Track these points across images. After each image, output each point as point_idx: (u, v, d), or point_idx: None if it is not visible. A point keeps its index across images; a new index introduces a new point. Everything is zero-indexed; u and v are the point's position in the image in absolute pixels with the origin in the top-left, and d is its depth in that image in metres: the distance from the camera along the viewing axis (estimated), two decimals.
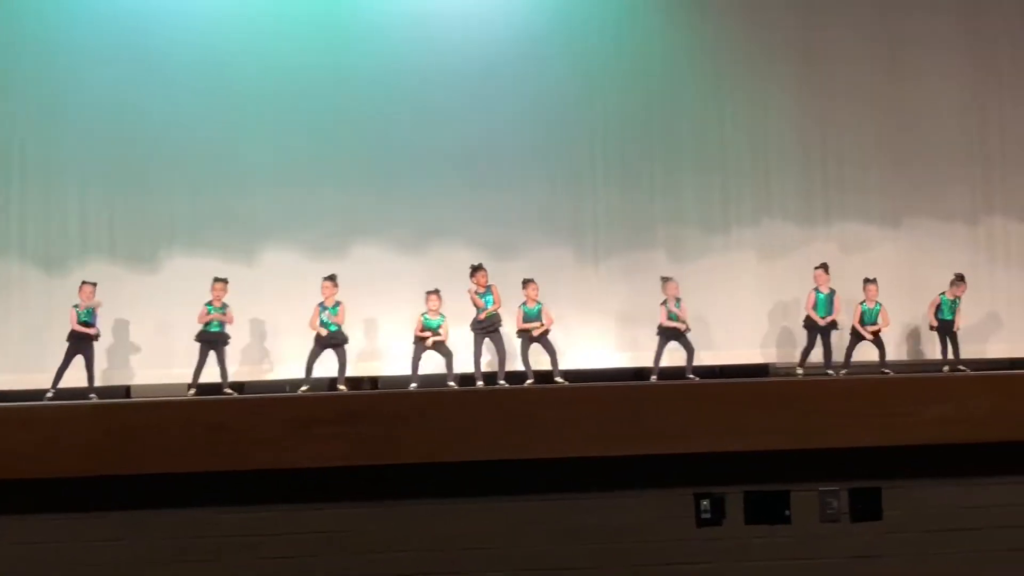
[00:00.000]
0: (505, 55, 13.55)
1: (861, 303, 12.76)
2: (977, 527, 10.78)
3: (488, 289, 12.39)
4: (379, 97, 13.38)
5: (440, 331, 12.34)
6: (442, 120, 13.38)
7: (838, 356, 12.78)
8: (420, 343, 12.33)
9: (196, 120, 13.16)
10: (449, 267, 12.78)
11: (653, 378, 12.42)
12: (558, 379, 12.21)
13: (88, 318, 11.98)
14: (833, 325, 12.73)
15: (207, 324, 12.14)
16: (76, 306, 11.98)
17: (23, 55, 13.11)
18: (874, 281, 12.75)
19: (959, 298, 12.81)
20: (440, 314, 12.36)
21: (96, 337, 12.06)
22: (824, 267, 12.82)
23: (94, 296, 12.06)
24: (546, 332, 12.48)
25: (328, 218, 13.23)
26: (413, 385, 12.14)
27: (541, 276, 12.68)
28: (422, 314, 12.36)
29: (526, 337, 12.44)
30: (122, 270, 12.97)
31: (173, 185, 13.14)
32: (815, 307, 12.72)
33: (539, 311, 12.46)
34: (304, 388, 12.13)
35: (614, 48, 13.71)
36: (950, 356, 12.77)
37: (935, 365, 12.84)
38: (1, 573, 10.07)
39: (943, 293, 12.86)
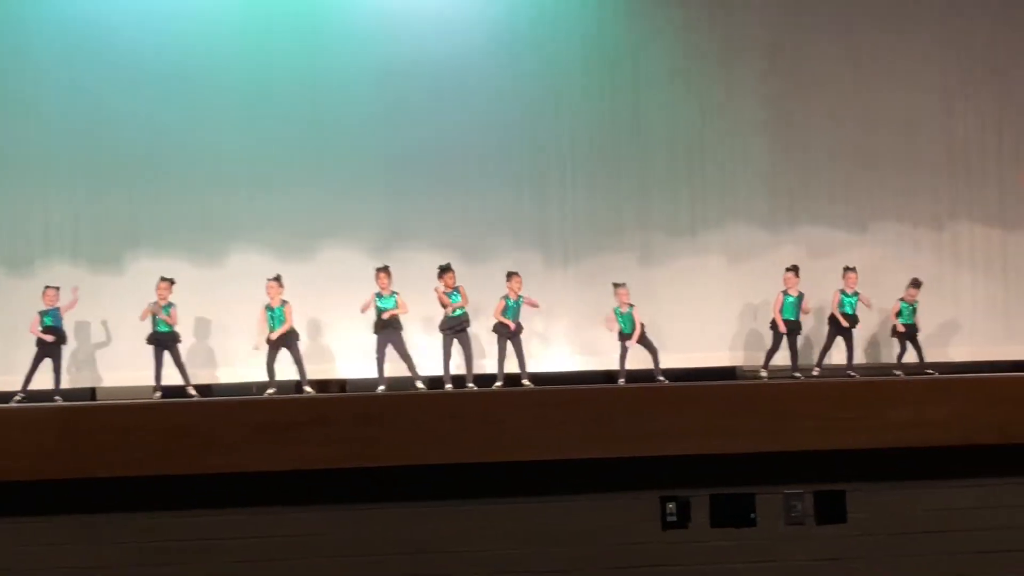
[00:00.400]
0: (473, 58, 13.54)
1: (840, 290, 12.84)
2: (941, 529, 10.88)
3: (456, 290, 12.38)
4: (347, 99, 13.34)
5: (398, 302, 12.20)
6: (410, 123, 13.36)
7: (804, 358, 12.87)
8: (382, 332, 12.19)
9: (162, 121, 13.07)
10: (417, 269, 12.71)
11: (621, 381, 12.44)
12: (525, 382, 12.22)
13: (53, 322, 11.92)
14: (798, 327, 12.81)
15: (156, 325, 12.02)
16: (41, 312, 11.91)
17: None
18: (853, 269, 12.86)
19: (917, 301, 12.93)
20: (392, 291, 12.26)
21: (63, 341, 11.99)
22: (795, 269, 12.87)
23: (58, 299, 11.98)
24: (520, 330, 12.49)
25: (295, 220, 13.17)
26: (381, 388, 12.11)
27: None
28: (374, 293, 12.27)
29: (503, 333, 12.45)
30: (87, 272, 12.86)
31: (138, 186, 13.05)
32: (782, 310, 12.78)
33: (520, 303, 12.48)
34: (271, 391, 12.07)
35: (583, 52, 13.72)
36: (911, 360, 12.85)
37: (901, 369, 12.91)
38: None
39: (902, 298, 12.96)
